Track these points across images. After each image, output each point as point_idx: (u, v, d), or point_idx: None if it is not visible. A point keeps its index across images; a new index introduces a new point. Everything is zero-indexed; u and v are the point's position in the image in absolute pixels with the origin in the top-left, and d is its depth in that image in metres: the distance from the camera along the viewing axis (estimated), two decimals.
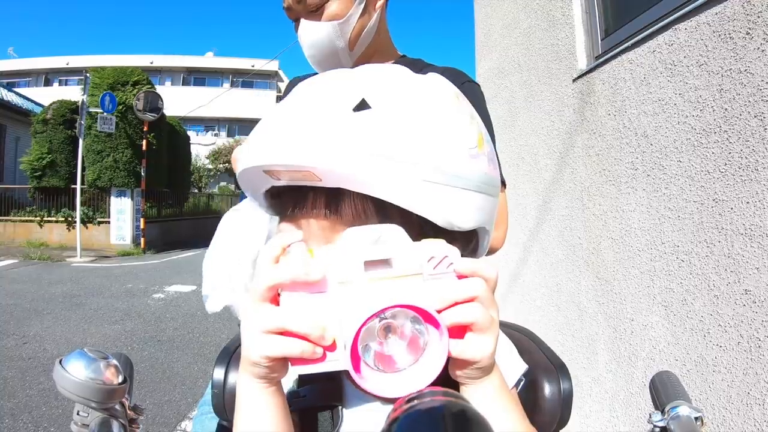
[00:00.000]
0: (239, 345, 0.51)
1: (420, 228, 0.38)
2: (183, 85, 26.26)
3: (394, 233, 0.36)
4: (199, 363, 3.43)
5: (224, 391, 0.57)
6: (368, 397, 0.42)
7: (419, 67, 0.94)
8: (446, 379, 0.34)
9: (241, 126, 25.54)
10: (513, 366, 0.46)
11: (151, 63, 24.77)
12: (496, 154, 0.56)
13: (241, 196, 0.88)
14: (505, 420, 0.37)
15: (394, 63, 0.89)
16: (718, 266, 1.22)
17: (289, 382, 0.46)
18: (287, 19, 0.92)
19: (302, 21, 0.89)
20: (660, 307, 1.43)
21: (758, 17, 1.08)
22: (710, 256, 1.24)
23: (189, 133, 15.37)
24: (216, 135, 26.49)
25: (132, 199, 10.36)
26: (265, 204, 0.46)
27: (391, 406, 0.28)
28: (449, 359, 0.34)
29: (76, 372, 0.46)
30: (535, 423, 0.43)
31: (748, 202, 1.13)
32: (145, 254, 9.81)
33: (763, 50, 1.08)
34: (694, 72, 1.30)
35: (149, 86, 10.71)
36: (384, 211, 0.38)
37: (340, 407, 0.43)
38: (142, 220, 10.35)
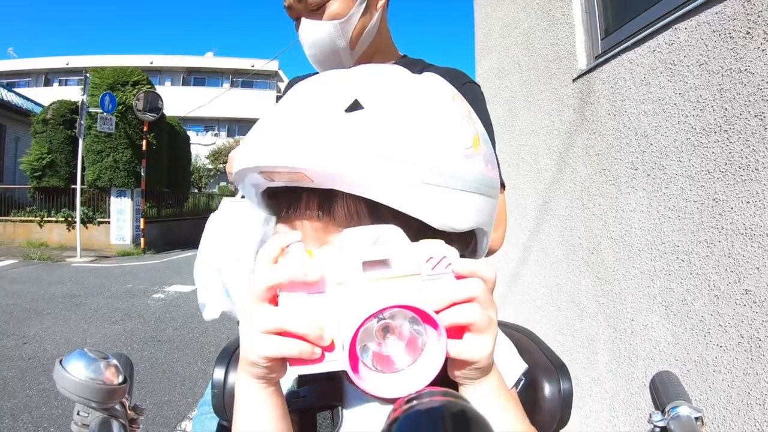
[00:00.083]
0: (239, 345, 0.51)
1: (417, 229, 0.38)
2: (183, 85, 26.27)
3: (393, 234, 0.36)
4: (199, 363, 3.43)
5: (224, 391, 0.57)
6: (368, 397, 0.42)
7: (420, 67, 0.93)
8: (445, 380, 0.34)
9: (241, 126, 25.53)
10: (513, 365, 0.46)
11: (151, 63, 24.78)
12: (496, 156, 0.56)
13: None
14: (504, 420, 0.37)
15: (394, 63, 0.89)
16: (719, 266, 1.21)
17: (288, 382, 0.46)
18: (287, 18, 0.92)
19: (303, 20, 0.88)
20: (660, 307, 1.43)
21: (758, 17, 1.08)
22: (710, 256, 1.24)
23: (189, 133, 15.37)
24: (216, 135, 26.52)
25: (132, 199, 10.36)
26: (262, 204, 0.46)
27: (391, 407, 0.28)
28: (447, 359, 0.33)
29: (76, 372, 0.46)
30: (535, 423, 0.43)
31: (748, 202, 1.12)
32: (145, 254, 9.81)
33: (763, 50, 1.08)
34: (694, 71, 1.30)
35: (149, 86, 10.71)
36: (377, 213, 0.38)
37: (339, 407, 0.43)
38: (142, 220, 10.35)
